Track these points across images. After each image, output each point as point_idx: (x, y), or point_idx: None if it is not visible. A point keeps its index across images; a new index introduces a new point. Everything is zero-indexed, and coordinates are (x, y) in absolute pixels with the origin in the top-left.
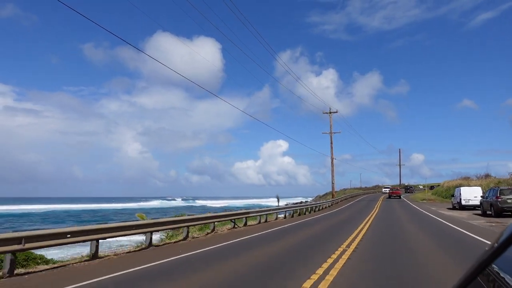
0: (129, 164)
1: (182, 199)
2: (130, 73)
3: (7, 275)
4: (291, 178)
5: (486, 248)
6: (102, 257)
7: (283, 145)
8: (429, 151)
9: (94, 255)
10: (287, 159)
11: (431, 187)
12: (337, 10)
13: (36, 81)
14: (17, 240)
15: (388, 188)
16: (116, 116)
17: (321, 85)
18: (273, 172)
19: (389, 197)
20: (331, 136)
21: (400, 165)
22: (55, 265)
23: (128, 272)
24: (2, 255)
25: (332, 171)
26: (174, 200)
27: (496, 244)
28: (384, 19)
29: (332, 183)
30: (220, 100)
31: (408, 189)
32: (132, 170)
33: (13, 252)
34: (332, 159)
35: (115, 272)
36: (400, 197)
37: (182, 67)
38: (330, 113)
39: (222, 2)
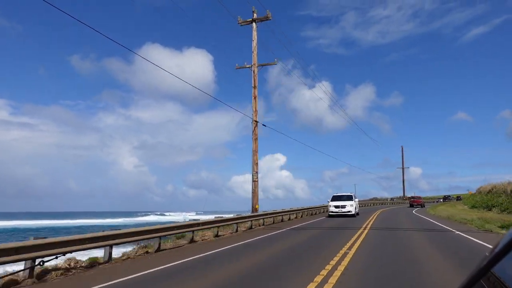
0: (126, 178)
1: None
2: (126, 88)
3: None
4: (289, 192)
5: (487, 253)
6: None
7: (280, 159)
8: (426, 165)
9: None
10: (285, 173)
11: (445, 198)
12: (332, 24)
13: (32, 95)
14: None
15: (345, 200)
16: (112, 130)
17: (314, 97)
18: (271, 186)
19: (411, 205)
20: (254, 72)
21: (403, 168)
22: None
23: None
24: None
25: (255, 153)
26: (170, 215)
27: (497, 249)
28: (378, 33)
29: (254, 180)
30: (216, 113)
31: (447, 198)
32: (129, 184)
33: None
34: (255, 122)
35: None
36: (423, 206)
37: (172, 79)
38: (253, 21)
39: (213, 14)
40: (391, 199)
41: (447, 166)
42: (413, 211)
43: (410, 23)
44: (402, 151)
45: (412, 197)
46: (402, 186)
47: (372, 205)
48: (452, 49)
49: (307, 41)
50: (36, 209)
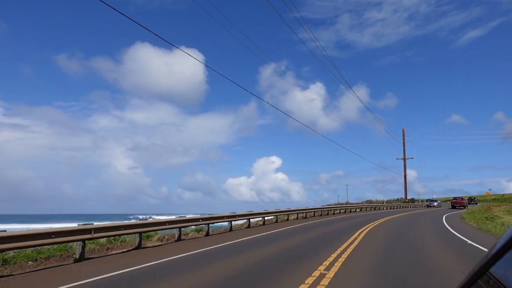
0: (120, 180)
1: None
2: (118, 89)
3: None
4: (285, 195)
5: (485, 253)
6: None
7: (276, 161)
8: (421, 168)
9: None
10: (280, 176)
11: (471, 200)
12: (326, 26)
13: (25, 96)
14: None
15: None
16: (106, 131)
17: (307, 99)
18: (266, 189)
19: (453, 207)
20: None
21: (404, 158)
22: None
23: None
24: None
25: None
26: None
27: (495, 249)
28: (374, 36)
29: None
30: (211, 115)
31: (472, 200)
32: (124, 186)
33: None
34: None
35: None
36: (466, 207)
37: (163, 80)
38: None
39: (208, 15)
40: (387, 201)
41: (443, 169)
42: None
43: (405, 26)
44: (404, 135)
45: (455, 198)
46: (403, 186)
47: (359, 210)
48: (448, 51)
49: (301, 43)
50: (30, 211)
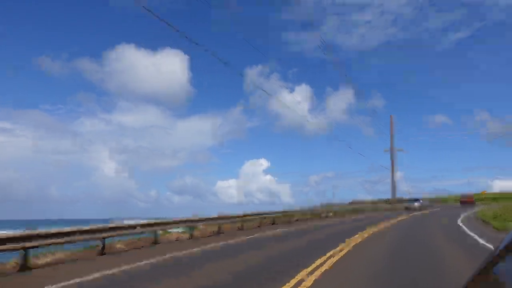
0: (108, 184)
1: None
2: (105, 91)
3: None
4: (274, 197)
5: (489, 254)
6: None
7: (264, 163)
8: (408, 168)
9: None
10: (269, 177)
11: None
12: (313, 29)
13: (8, 98)
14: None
15: None
16: (93, 135)
17: (294, 100)
18: (255, 191)
19: (462, 203)
20: None
21: (391, 150)
22: None
23: None
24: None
25: None
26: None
27: (498, 250)
28: (360, 38)
29: None
30: (199, 118)
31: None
32: (111, 189)
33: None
34: None
35: None
36: (474, 204)
37: (151, 82)
38: None
39: (194, 15)
40: (372, 202)
41: (429, 170)
42: None
43: (390, 28)
44: (391, 123)
45: (462, 195)
46: (390, 186)
47: (330, 215)
48: (432, 53)
49: (288, 45)
50: (16, 217)
